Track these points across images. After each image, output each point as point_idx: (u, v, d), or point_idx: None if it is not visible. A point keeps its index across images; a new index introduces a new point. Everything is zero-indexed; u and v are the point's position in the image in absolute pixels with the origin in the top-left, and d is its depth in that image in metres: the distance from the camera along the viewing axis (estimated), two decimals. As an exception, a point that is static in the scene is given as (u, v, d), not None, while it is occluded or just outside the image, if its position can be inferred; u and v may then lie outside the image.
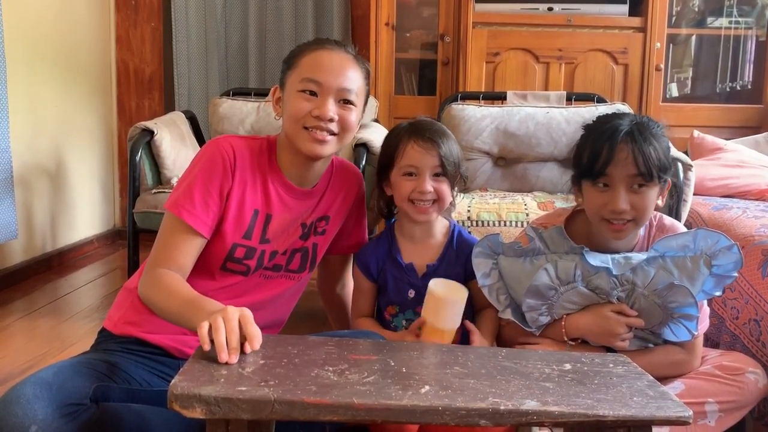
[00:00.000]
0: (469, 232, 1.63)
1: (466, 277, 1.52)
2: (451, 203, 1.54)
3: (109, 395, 1.13)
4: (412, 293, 1.52)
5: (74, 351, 1.35)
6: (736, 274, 1.31)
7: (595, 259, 1.32)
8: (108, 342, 1.34)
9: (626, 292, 1.30)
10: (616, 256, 1.33)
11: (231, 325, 0.99)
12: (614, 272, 1.30)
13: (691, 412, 0.93)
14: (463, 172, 1.53)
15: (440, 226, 1.56)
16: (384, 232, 1.59)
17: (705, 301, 1.39)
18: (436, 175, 1.46)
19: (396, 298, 1.53)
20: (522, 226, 1.94)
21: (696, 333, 1.32)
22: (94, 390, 1.10)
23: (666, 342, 1.37)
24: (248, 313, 1.03)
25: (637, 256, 1.32)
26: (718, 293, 1.33)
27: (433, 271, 1.52)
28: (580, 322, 1.36)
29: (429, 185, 1.45)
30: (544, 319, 1.39)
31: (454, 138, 1.53)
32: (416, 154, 1.45)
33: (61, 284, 2.88)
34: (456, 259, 1.53)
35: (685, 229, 1.44)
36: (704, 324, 1.40)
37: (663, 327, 1.32)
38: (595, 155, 1.32)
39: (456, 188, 1.53)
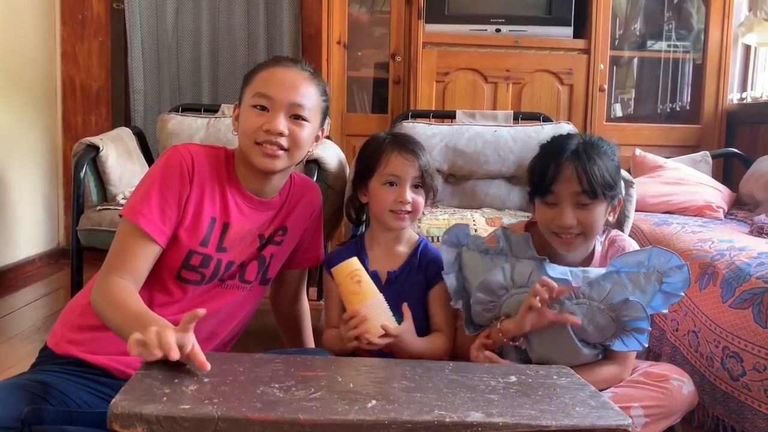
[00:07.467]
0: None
1: (427, 285, 1.55)
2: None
3: (44, 418, 1.08)
4: None
5: (11, 374, 1.29)
6: (682, 294, 1.34)
7: (555, 271, 1.34)
8: (48, 363, 1.30)
9: (582, 306, 1.32)
10: (575, 269, 1.35)
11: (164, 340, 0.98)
12: (573, 284, 1.32)
13: (630, 420, 0.96)
14: (435, 185, 1.57)
15: (408, 237, 1.60)
16: (354, 240, 1.62)
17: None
18: (415, 186, 1.51)
19: None
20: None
21: (646, 345, 1.36)
22: (26, 413, 1.06)
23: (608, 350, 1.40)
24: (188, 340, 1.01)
25: (595, 271, 1.34)
26: (664, 310, 1.36)
27: (394, 278, 1.54)
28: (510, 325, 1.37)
29: (409, 195, 1.49)
30: (488, 315, 1.41)
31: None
32: (399, 164, 1.50)
33: (0, 305, 2.77)
34: (417, 269, 1.56)
35: (636, 245, 1.48)
36: None
37: (615, 339, 1.35)
38: (542, 173, 1.38)
39: (428, 201, 1.56)
